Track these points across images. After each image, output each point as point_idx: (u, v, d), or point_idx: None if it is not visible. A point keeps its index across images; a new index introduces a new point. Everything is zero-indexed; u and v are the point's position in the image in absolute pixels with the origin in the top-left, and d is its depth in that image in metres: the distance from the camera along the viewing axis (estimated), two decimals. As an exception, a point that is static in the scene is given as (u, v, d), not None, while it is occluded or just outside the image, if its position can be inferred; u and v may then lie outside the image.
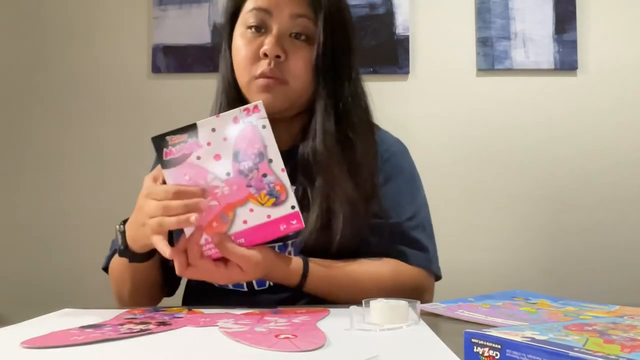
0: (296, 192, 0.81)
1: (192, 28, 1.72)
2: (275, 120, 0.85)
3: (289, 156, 0.84)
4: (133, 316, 0.65)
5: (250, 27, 0.83)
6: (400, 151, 0.94)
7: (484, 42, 1.70)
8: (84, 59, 1.74)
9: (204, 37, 1.72)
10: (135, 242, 0.75)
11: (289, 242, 0.82)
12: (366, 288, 0.78)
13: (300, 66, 0.83)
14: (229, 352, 0.48)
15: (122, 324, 0.60)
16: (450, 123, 1.70)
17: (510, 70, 1.71)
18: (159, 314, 0.67)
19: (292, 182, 0.82)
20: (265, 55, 0.81)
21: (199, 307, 0.72)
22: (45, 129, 1.72)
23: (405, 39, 1.70)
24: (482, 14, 1.71)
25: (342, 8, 0.86)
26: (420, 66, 1.72)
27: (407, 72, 1.71)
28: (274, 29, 0.82)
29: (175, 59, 1.72)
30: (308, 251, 0.79)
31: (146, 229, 0.69)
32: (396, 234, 0.85)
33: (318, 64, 0.83)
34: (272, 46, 0.81)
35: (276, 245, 0.81)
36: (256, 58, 0.82)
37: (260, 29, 0.83)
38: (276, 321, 0.61)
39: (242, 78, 0.85)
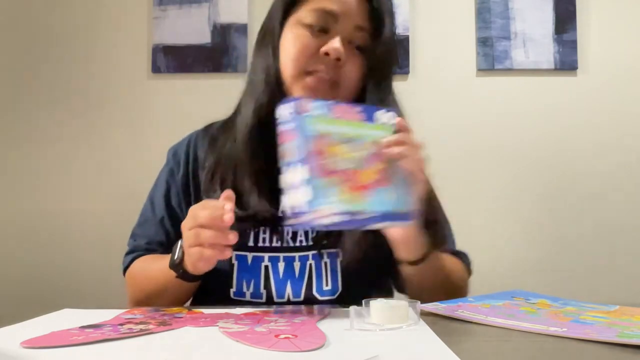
0: None
1: (192, 28, 1.72)
2: None
3: None
4: (133, 316, 0.65)
5: (309, 26, 0.81)
6: None
7: (484, 42, 1.70)
8: (83, 58, 1.74)
9: (204, 37, 1.72)
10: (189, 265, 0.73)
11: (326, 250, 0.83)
12: (451, 286, 0.83)
13: (355, 72, 0.82)
14: (229, 352, 0.48)
15: (122, 324, 0.60)
16: (450, 123, 1.70)
17: (510, 70, 1.71)
18: (159, 314, 0.67)
19: None
20: (326, 54, 0.79)
21: (199, 307, 0.72)
22: (45, 129, 1.72)
23: (405, 39, 1.70)
24: (482, 14, 1.71)
25: (394, 28, 0.86)
26: (420, 66, 1.72)
27: (407, 72, 1.71)
28: (338, 34, 0.80)
29: (175, 59, 1.72)
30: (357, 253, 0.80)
31: (191, 257, 0.70)
32: (448, 236, 0.92)
33: (371, 74, 0.83)
34: (338, 48, 0.79)
35: (310, 254, 0.82)
36: (313, 55, 0.80)
37: (320, 28, 0.81)
38: (276, 321, 0.61)
39: (288, 70, 0.82)
